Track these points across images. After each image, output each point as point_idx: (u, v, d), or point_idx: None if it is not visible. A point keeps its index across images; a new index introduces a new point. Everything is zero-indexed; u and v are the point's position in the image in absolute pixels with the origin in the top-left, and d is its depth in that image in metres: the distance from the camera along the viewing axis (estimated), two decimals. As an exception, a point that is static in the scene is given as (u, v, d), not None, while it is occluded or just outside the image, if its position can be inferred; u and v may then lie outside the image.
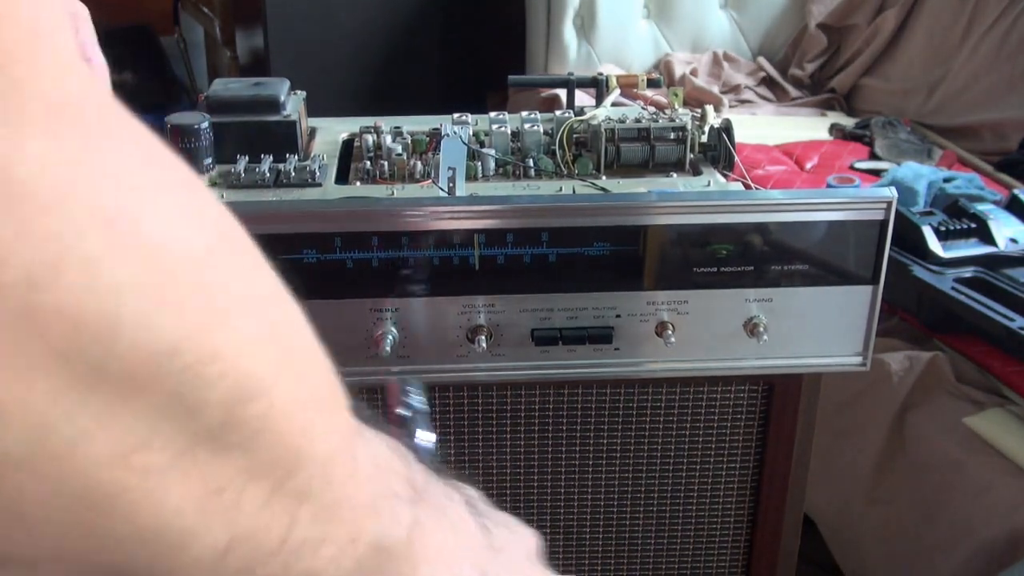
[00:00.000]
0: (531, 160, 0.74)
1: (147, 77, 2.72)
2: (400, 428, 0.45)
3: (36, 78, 0.19)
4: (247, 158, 0.71)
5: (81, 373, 0.19)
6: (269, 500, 0.23)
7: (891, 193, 0.64)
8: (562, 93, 1.73)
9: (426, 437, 0.43)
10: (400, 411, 0.45)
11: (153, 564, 0.22)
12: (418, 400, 0.46)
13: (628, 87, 0.90)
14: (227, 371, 0.21)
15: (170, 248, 0.20)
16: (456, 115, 0.80)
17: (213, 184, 0.70)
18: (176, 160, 0.22)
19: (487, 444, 0.69)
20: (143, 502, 0.21)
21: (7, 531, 0.20)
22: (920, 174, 1.52)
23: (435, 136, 0.76)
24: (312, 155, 0.74)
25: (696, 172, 0.74)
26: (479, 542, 0.34)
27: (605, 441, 0.71)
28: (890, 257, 0.65)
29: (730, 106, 2.25)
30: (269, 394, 0.22)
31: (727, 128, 0.74)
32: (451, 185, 0.67)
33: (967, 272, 1.29)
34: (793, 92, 2.37)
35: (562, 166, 0.74)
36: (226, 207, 0.23)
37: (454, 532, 0.33)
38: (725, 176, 0.74)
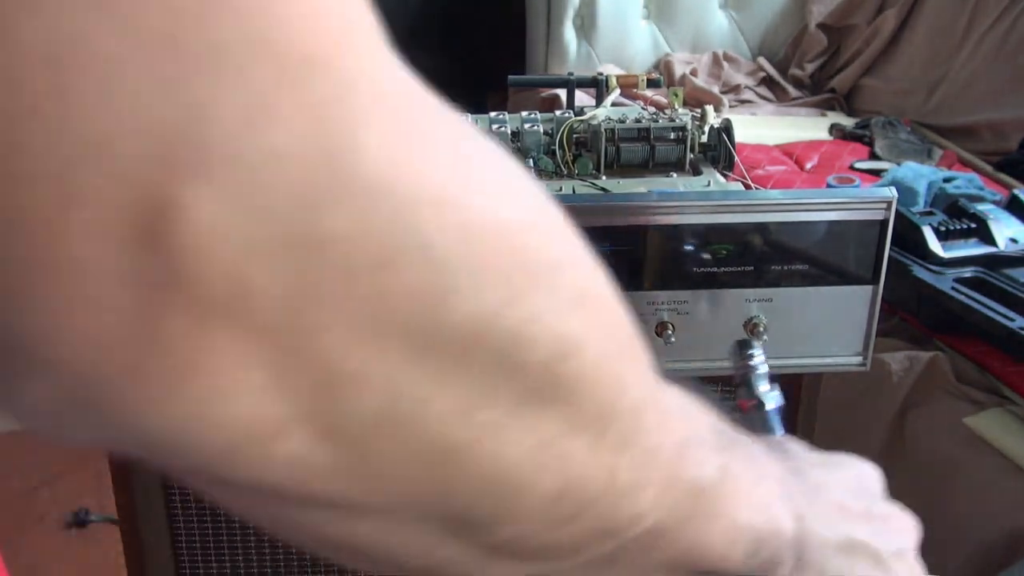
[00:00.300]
0: (531, 160, 0.74)
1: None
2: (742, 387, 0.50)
3: (361, 68, 0.20)
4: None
5: (421, 342, 0.20)
6: (592, 449, 0.25)
7: (891, 193, 0.64)
8: (562, 93, 1.73)
9: (770, 394, 0.48)
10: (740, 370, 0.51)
11: (496, 510, 0.24)
12: (760, 359, 0.52)
13: (628, 87, 0.90)
14: (546, 332, 0.23)
15: (494, 221, 0.22)
16: (456, 115, 0.80)
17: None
18: (484, 137, 0.23)
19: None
20: (486, 455, 0.23)
21: (369, 487, 0.22)
22: (920, 174, 1.52)
23: (435, 136, 0.76)
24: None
25: (696, 172, 0.74)
26: (790, 484, 0.36)
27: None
28: (890, 257, 0.65)
29: (730, 106, 2.25)
30: (584, 351, 0.24)
31: (727, 128, 0.74)
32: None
33: (967, 272, 1.29)
34: (793, 92, 2.37)
35: (562, 166, 0.74)
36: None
37: (762, 475, 0.34)
38: (725, 176, 0.74)
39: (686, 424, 0.31)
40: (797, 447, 0.42)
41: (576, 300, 0.24)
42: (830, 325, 0.67)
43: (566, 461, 0.24)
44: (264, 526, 0.25)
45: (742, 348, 0.54)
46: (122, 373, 0.18)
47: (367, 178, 0.19)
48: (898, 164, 1.73)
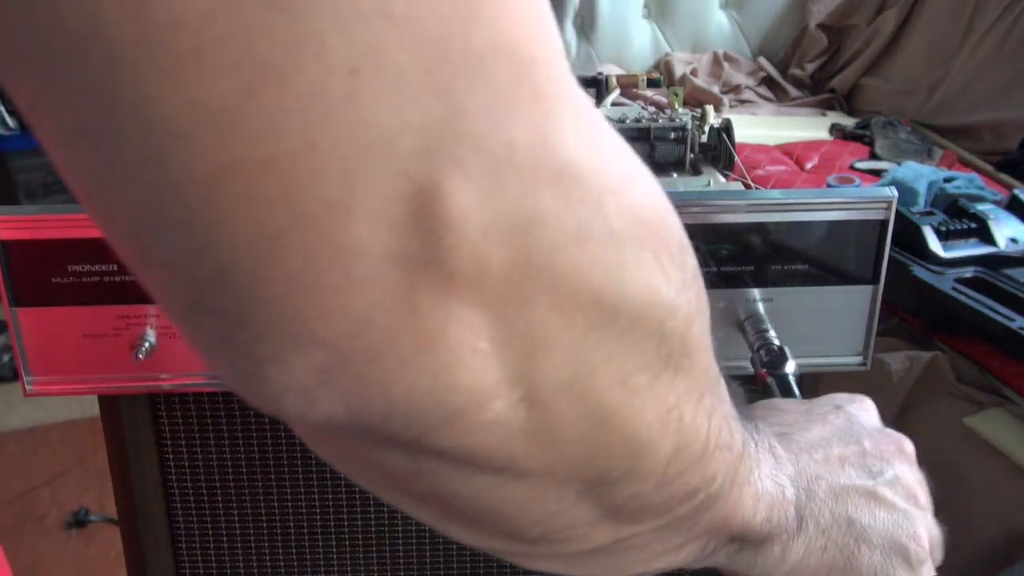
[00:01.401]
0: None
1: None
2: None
3: (550, 58, 0.21)
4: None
5: (599, 312, 0.23)
6: (695, 413, 0.27)
7: (891, 193, 0.64)
8: (562, 93, 1.73)
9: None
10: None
11: (627, 471, 0.26)
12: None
13: (628, 87, 0.90)
14: (682, 301, 0.25)
15: (651, 208, 0.24)
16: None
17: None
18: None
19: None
20: (631, 418, 0.25)
21: (543, 450, 0.24)
22: (920, 174, 1.52)
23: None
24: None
25: (696, 172, 0.74)
26: (783, 449, 0.38)
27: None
28: (890, 257, 0.65)
29: (730, 106, 2.25)
30: (699, 320, 0.26)
31: (727, 128, 0.74)
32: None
33: (967, 272, 1.29)
34: (793, 92, 2.37)
35: (562, 166, 0.74)
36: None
37: (767, 445, 0.37)
38: (725, 176, 0.74)
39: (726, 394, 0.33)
40: (785, 403, 0.46)
41: (693, 276, 0.26)
42: (830, 325, 0.67)
43: (681, 423, 0.26)
44: (405, 503, 0.27)
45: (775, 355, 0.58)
46: (379, 345, 0.20)
47: (570, 165, 0.21)
48: (898, 164, 1.73)
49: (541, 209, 0.21)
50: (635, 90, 0.91)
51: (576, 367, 0.23)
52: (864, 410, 0.46)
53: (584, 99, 0.23)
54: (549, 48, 0.21)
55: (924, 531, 0.43)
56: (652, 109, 0.80)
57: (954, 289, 1.25)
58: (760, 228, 0.64)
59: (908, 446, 0.45)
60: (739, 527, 0.33)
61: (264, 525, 0.66)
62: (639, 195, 0.24)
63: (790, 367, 0.53)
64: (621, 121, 0.75)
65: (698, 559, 0.33)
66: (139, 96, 0.18)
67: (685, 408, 0.26)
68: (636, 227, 0.23)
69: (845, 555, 0.39)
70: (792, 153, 1.97)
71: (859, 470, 0.41)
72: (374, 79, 0.18)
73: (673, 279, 0.25)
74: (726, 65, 2.38)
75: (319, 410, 0.21)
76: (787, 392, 0.53)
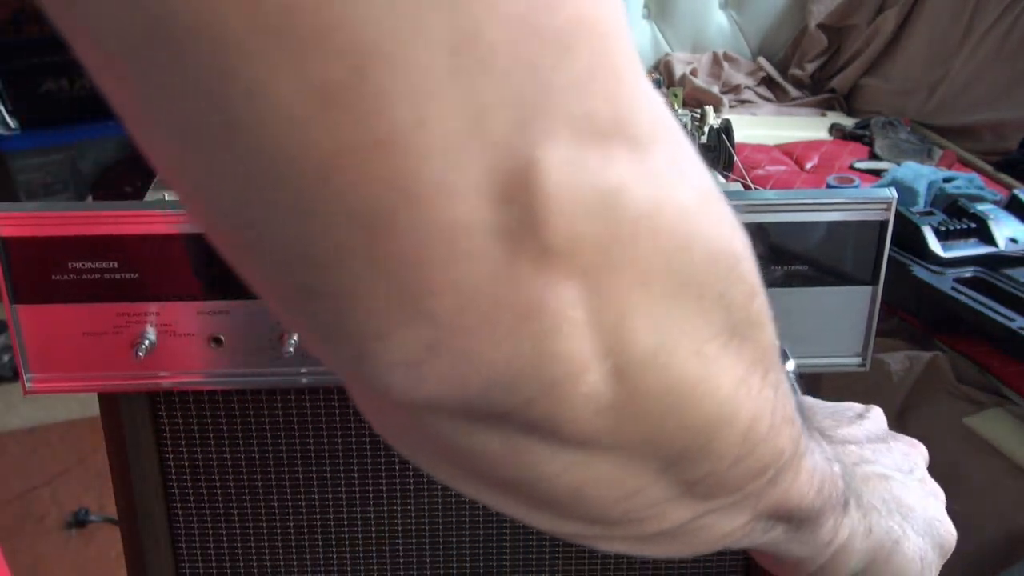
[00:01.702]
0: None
1: (147, 77, 2.72)
2: None
3: (619, 32, 0.22)
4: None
5: (676, 283, 0.23)
6: (762, 386, 0.27)
7: (891, 194, 0.64)
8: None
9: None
10: None
11: (704, 446, 0.26)
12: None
13: (628, 87, 0.90)
14: (747, 269, 0.25)
15: (704, 180, 0.25)
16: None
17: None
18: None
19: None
20: (708, 390, 0.25)
21: (628, 426, 0.24)
22: (920, 174, 1.52)
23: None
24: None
25: (696, 172, 0.74)
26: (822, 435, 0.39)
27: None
28: (890, 257, 0.65)
29: (730, 106, 2.25)
30: (762, 290, 0.27)
31: (727, 128, 0.74)
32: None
33: (967, 272, 1.29)
34: (793, 92, 2.37)
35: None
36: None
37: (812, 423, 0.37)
38: (725, 176, 0.74)
39: None
40: (812, 400, 0.48)
41: (748, 249, 0.26)
42: (830, 325, 0.67)
43: (750, 395, 0.27)
44: (487, 493, 0.27)
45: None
46: (483, 316, 0.21)
47: (641, 135, 0.22)
48: (898, 164, 1.73)
49: (622, 178, 0.22)
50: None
51: (658, 337, 0.23)
52: (881, 420, 0.47)
53: (642, 70, 0.24)
54: (618, 22, 0.22)
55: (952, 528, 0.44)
56: (652, 109, 0.79)
57: (954, 289, 1.25)
58: (760, 229, 0.64)
59: (926, 453, 0.46)
60: (796, 503, 0.33)
61: (264, 525, 0.66)
62: (693, 165, 0.24)
63: (790, 367, 0.54)
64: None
65: (754, 540, 0.33)
66: (252, 84, 0.18)
67: (753, 380, 0.27)
68: (698, 196, 0.24)
69: (892, 538, 0.40)
70: (792, 153, 1.97)
71: (889, 463, 0.43)
72: (471, 58, 0.19)
73: (735, 249, 0.25)
74: (726, 65, 2.39)
75: (425, 387, 0.22)
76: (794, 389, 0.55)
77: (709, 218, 0.24)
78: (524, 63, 0.20)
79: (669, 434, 0.25)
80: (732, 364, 0.26)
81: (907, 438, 0.46)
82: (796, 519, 0.34)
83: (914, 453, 0.45)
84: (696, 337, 0.24)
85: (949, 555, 0.44)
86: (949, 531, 0.43)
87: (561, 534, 0.29)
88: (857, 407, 0.47)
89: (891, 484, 0.42)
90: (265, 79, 0.18)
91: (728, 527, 0.31)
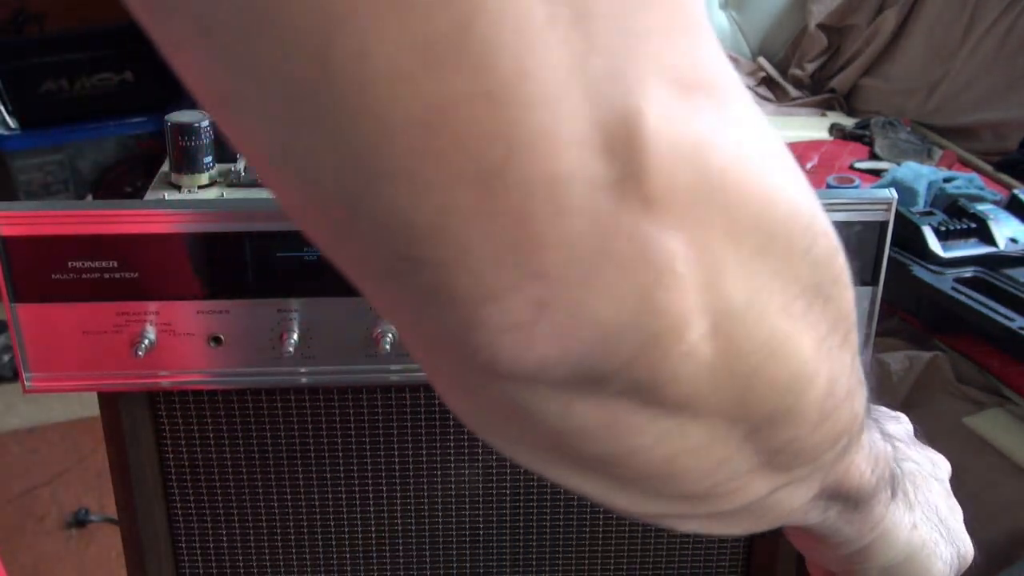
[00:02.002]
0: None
1: (147, 77, 2.73)
2: None
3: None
4: (247, 157, 0.71)
5: (763, 239, 0.23)
6: (841, 348, 0.27)
7: (892, 195, 0.64)
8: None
9: None
10: None
11: (789, 408, 0.26)
12: None
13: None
14: (823, 222, 0.25)
15: (775, 133, 0.25)
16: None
17: (212, 182, 0.70)
18: None
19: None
20: (794, 348, 0.25)
21: (722, 389, 0.24)
22: (920, 174, 1.52)
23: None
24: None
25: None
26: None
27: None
28: (890, 257, 0.65)
29: (730, 106, 2.25)
30: (841, 252, 0.27)
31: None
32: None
33: (967, 272, 1.29)
34: (793, 92, 2.37)
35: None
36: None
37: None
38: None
39: None
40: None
41: (822, 208, 0.26)
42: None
43: (830, 356, 0.26)
44: (575, 474, 0.27)
45: None
46: (590, 271, 0.21)
47: (719, 86, 0.22)
48: (898, 164, 1.73)
49: (710, 129, 0.22)
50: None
51: (750, 292, 0.23)
52: (911, 427, 0.47)
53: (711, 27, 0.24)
54: None
55: None
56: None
57: (954, 289, 1.25)
58: (760, 227, 0.64)
59: (949, 467, 0.47)
60: (856, 481, 0.33)
61: (264, 525, 0.66)
62: (763, 121, 0.24)
63: None
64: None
65: (809, 519, 0.33)
66: (355, 47, 0.18)
67: (834, 340, 0.26)
68: (775, 150, 0.24)
69: (933, 540, 0.40)
70: (792, 153, 1.97)
71: (929, 466, 0.43)
72: (565, 6, 0.19)
73: (814, 206, 0.25)
74: (726, 65, 2.38)
75: (535, 351, 0.22)
76: None
77: (786, 173, 0.24)
78: (612, 12, 0.20)
79: (758, 395, 0.25)
80: (816, 322, 0.25)
81: (931, 449, 0.46)
82: (852, 499, 0.34)
83: (942, 463, 0.45)
84: (785, 293, 0.24)
85: (963, 572, 0.44)
86: (969, 548, 0.43)
87: (643, 515, 0.29)
88: (887, 410, 0.47)
89: (931, 487, 0.42)
90: (372, 38, 0.18)
91: (796, 503, 0.31)
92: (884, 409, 0.47)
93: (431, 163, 0.19)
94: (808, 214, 0.24)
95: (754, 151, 0.23)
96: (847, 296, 0.27)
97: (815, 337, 0.25)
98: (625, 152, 0.20)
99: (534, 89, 0.19)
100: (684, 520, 0.30)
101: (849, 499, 0.34)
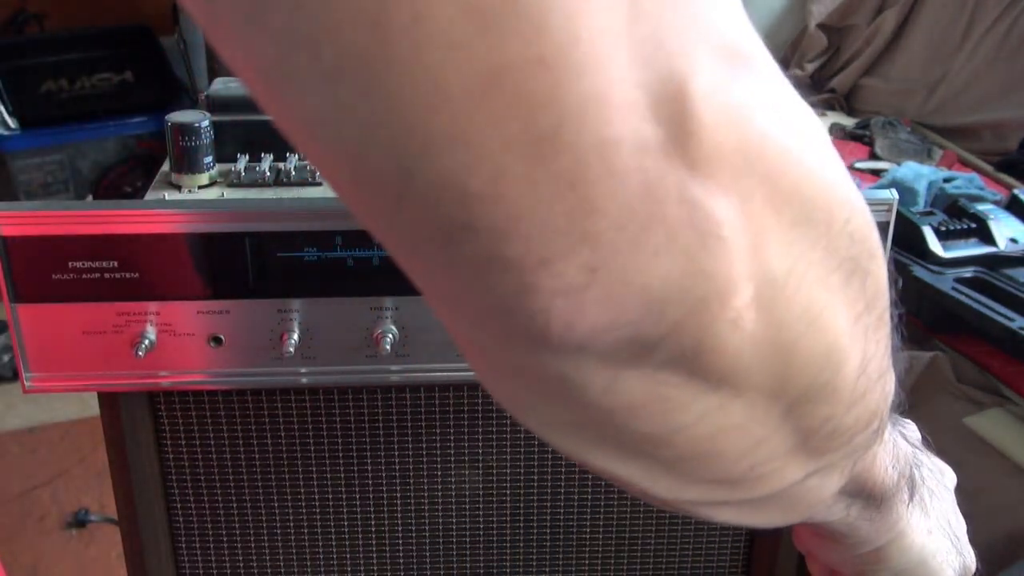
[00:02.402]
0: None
1: (147, 77, 2.73)
2: None
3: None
4: (247, 157, 0.71)
5: (800, 208, 0.23)
6: (878, 326, 0.27)
7: (892, 195, 0.64)
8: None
9: None
10: None
11: (825, 384, 0.26)
12: None
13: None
14: (861, 204, 0.25)
15: (808, 107, 0.25)
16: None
17: (212, 182, 0.70)
18: None
19: (487, 441, 0.70)
20: (832, 321, 0.25)
21: (765, 359, 0.24)
22: (920, 174, 1.52)
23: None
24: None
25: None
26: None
27: (605, 440, 0.71)
28: (890, 257, 0.65)
29: (730, 106, 2.25)
30: (875, 230, 0.26)
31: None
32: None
33: (967, 272, 1.29)
34: (793, 92, 2.37)
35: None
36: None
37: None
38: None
39: None
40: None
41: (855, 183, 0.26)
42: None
43: (867, 333, 0.26)
44: (615, 457, 0.27)
45: None
46: (639, 234, 0.21)
47: (756, 56, 0.23)
48: (898, 164, 1.73)
49: (749, 95, 0.22)
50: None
51: (790, 261, 0.23)
52: (918, 433, 0.47)
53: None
54: None
55: None
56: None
57: (954, 289, 1.25)
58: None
59: (955, 477, 0.47)
60: (879, 476, 0.33)
61: (264, 525, 0.66)
62: (795, 92, 0.24)
63: None
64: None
65: (831, 515, 0.33)
66: (410, 12, 0.18)
67: (870, 317, 0.26)
68: (812, 122, 0.24)
69: (945, 548, 0.40)
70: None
71: (939, 475, 0.43)
72: None
73: (849, 180, 0.25)
74: (726, 65, 2.38)
75: (586, 317, 0.22)
76: None
77: (822, 146, 0.24)
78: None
79: (797, 369, 0.25)
80: (854, 298, 0.25)
81: (938, 458, 0.46)
82: (876, 496, 0.34)
83: (949, 473, 0.45)
84: (824, 265, 0.24)
85: None
86: (972, 560, 0.43)
87: (681, 502, 0.29)
88: (896, 416, 0.48)
89: (943, 495, 0.42)
90: (427, 3, 0.18)
91: (825, 492, 0.31)
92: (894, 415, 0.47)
93: (486, 129, 0.19)
94: (845, 187, 0.25)
95: (792, 121, 0.23)
96: (882, 274, 0.27)
97: (853, 312, 0.25)
98: (673, 116, 0.20)
99: (585, 54, 0.19)
100: (720, 508, 0.29)
101: (872, 496, 0.34)
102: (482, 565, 0.69)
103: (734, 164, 0.21)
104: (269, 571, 0.68)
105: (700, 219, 0.21)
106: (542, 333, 0.22)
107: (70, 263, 0.53)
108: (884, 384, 0.29)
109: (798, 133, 0.23)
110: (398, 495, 0.66)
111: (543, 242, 0.21)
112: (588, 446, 0.27)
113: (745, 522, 0.31)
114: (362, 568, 0.68)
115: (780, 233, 0.23)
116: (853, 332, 0.26)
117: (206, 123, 0.69)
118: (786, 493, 0.29)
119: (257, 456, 0.64)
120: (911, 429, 0.46)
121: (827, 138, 0.25)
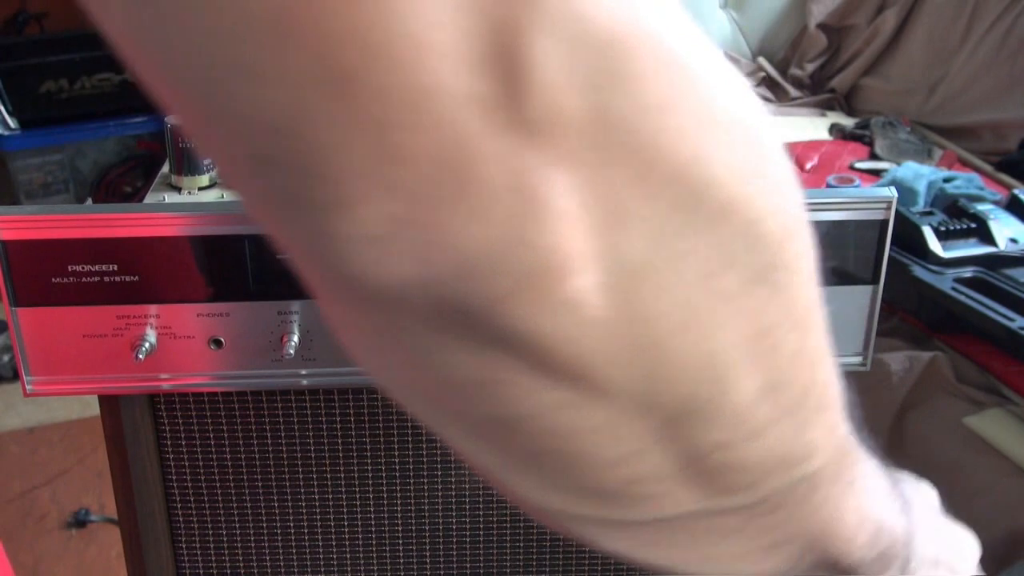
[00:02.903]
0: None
1: (147, 77, 2.72)
2: None
3: None
4: (247, 158, 0.71)
5: (685, 193, 0.21)
6: (795, 352, 0.24)
7: (891, 193, 0.64)
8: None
9: None
10: None
11: (710, 402, 0.23)
12: None
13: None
14: (780, 207, 0.23)
15: (743, 99, 0.23)
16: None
17: (212, 184, 0.70)
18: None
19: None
20: (715, 330, 0.22)
21: (619, 353, 0.22)
22: (920, 174, 1.52)
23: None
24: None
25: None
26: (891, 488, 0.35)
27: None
28: (890, 257, 0.65)
29: (730, 106, 2.25)
30: (801, 236, 0.24)
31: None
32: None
33: (967, 272, 1.29)
34: (793, 92, 2.37)
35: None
36: None
37: (875, 466, 0.33)
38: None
39: None
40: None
41: (790, 186, 0.24)
42: (830, 325, 0.67)
43: (775, 355, 0.24)
44: (465, 438, 0.25)
45: None
46: (453, 190, 0.19)
47: (662, 38, 0.21)
48: (898, 164, 1.73)
49: (625, 67, 0.20)
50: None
51: (658, 250, 0.21)
52: (933, 493, 0.42)
53: None
54: None
55: None
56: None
57: (954, 289, 1.25)
58: (760, 228, 0.64)
59: (978, 553, 0.41)
60: (842, 544, 0.29)
61: (264, 525, 0.66)
62: (734, 84, 0.22)
63: None
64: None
65: (786, 573, 0.29)
66: None
67: (781, 337, 0.23)
68: (727, 111, 0.22)
69: None
70: (792, 153, 1.97)
71: (951, 551, 0.38)
72: None
73: (769, 177, 0.23)
74: (726, 65, 2.38)
75: (389, 266, 0.20)
76: None
77: (735, 137, 0.22)
78: None
79: (669, 376, 0.22)
80: (753, 309, 0.23)
81: (959, 526, 0.41)
82: (841, 570, 0.30)
83: (968, 546, 0.40)
84: (707, 262, 0.22)
85: None
86: None
87: (546, 509, 0.26)
88: (911, 476, 0.42)
89: (961, 568, 0.37)
90: None
91: (749, 543, 0.27)
92: (907, 476, 0.41)
93: (278, 60, 0.18)
94: (754, 185, 0.22)
95: (692, 104, 0.21)
96: (804, 291, 0.24)
97: (751, 325, 0.23)
98: (505, 69, 0.19)
99: None
100: (605, 530, 0.27)
101: (839, 569, 0.30)
102: (482, 565, 0.69)
103: (581, 132, 0.20)
104: (269, 571, 0.68)
105: (528, 187, 0.20)
106: (351, 279, 0.21)
107: (70, 266, 0.54)
108: (808, 425, 0.25)
109: (698, 117, 0.21)
110: (398, 495, 0.66)
111: (343, 186, 0.19)
112: (437, 419, 0.25)
113: (648, 558, 0.28)
114: (362, 568, 0.68)
115: (648, 214, 0.21)
116: (751, 348, 0.23)
117: (206, 125, 0.69)
118: (681, 525, 0.26)
119: (257, 457, 0.64)
120: (924, 494, 0.41)
121: (746, 126, 0.22)
